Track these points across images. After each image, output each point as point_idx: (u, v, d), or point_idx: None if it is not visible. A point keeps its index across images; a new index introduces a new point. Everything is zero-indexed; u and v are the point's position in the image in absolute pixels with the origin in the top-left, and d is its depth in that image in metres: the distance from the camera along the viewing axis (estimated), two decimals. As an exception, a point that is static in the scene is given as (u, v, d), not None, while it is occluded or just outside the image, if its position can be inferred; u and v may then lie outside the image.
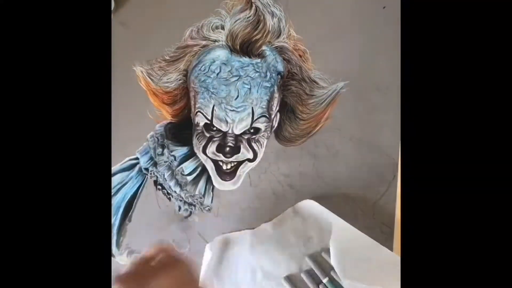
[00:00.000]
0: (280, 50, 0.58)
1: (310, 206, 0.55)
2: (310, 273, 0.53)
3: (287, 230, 0.55)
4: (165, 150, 0.58)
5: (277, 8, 0.59)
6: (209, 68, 0.57)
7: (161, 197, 0.57)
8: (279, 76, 0.58)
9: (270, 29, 0.58)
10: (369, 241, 0.52)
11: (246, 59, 0.57)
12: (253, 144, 0.57)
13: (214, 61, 0.57)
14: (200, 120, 0.57)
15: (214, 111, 0.56)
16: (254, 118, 0.56)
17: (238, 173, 0.57)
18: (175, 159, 0.58)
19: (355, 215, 0.54)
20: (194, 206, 0.57)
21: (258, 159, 0.58)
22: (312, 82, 0.58)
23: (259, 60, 0.57)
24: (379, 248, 0.52)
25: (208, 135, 0.57)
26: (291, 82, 0.58)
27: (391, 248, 0.53)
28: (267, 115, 0.57)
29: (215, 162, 0.57)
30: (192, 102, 0.58)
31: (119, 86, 0.57)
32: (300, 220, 0.55)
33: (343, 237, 0.53)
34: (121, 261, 0.55)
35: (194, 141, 0.58)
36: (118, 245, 0.56)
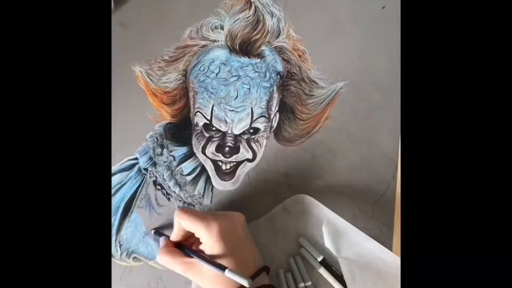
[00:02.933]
0: (280, 50, 0.58)
1: (300, 201, 0.55)
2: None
3: (277, 227, 0.55)
4: (164, 150, 0.58)
5: (276, 8, 0.59)
6: (208, 68, 0.57)
7: (160, 197, 0.57)
8: (279, 76, 0.58)
9: (269, 29, 0.58)
10: (359, 233, 0.53)
11: (245, 59, 0.57)
12: (252, 144, 0.57)
13: (213, 61, 0.57)
14: (200, 120, 0.57)
15: (214, 111, 0.56)
16: (254, 118, 0.56)
17: (237, 173, 0.57)
18: (174, 159, 0.57)
19: (354, 215, 0.54)
20: (194, 206, 0.57)
21: (257, 159, 0.57)
22: (312, 82, 0.58)
23: (258, 60, 0.57)
24: (370, 242, 0.53)
25: (207, 135, 0.57)
26: (290, 82, 0.58)
27: (390, 248, 0.53)
28: (267, 115, 0.57)
29: (215, 162, 0.57)
30: (192, 102, 0.58)
31: (118, 86, 0.57)
32: (289, 217, 0.55)
33: (335, 226, 0.53)
34: (119, 262, 0.55)
35: (194, 141, 0.58)
36: (117, 245, 0.56)
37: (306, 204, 0.55)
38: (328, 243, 0.52)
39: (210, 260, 0.44)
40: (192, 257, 0.46)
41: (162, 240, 0.50)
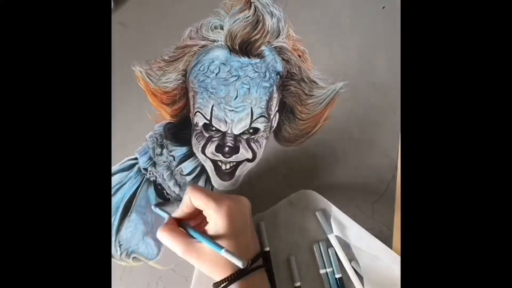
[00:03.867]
0: (279, 50, 0.58)
1: (306, 196, 0.55)
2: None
3: (281, 221, 0.55)
4: (164, 150, 0.58)
5: (276, 8, 0.59)
6: (208, 68, 0.57)
7: (160, 197, 0.57)
8: (278, 76, 0.58)
9: (269, 29, 0.58)
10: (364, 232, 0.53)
11: (245, 59, 0.57)
12: (252, 144, 0.57)
13: (213, 61, 0.58)
14: (199, 120, 0.57)
15: (213, 111, 0.56)
16: (253, 118, 0.57)
17: (237, 173, 0.57)
18: (174, 159, 0.57)
19: (354, 215, 0.54)
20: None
21: (257, 159, 0.57)
22: (311, 82, 0.58)
23: (258, 60, 0.57)
24: (375, 240, 0.53)
25: (207, 135, 0.57)
26: (290, 82, 0.58)
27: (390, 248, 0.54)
28: (266, 115, 0.57)
29: (214, 162, 0.57)
30: (191, 102, 0.58)
31: (118, 86, 0.57)
32: (295, 211, 0.55)
33: (341, 222, 0.54)
34: (119, 262, 0.55)
35: (193, 141, 0.58)
36: (117, 245, 0.56)
37: (312, 200, 0.55)
38: (337, 232, 0.53)
39: (209, 238, 0.44)
40: (192, 237, 0.46)
41: (166, 218, 0.50)
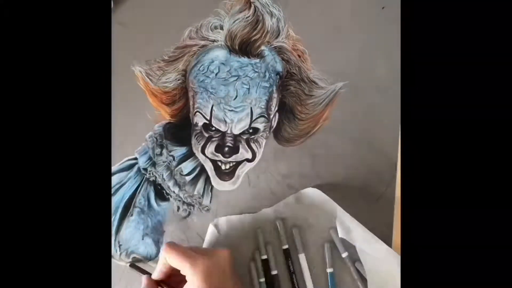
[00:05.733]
0: (279, 50, 0.58)
1: (313, 194, 0.55)
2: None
3: (288, 216, 0.55)
4: (164, 150, 0.58)
5: (276, 8, 0.59)
6: (208, 68, 0.57)
7: (160, 197, 0.57)
8: (278, 76, 0.58)
9: (269, 29, 0.58)
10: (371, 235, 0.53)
11: (245, 59, 0.57)
12: (252, 144, 0.57)
13: (213, 61, 0.57)
14: (199, 120, 0.57)
15: (213, 111, 0.56)
16: (253, 118, 0.56)
17: (237, 173, 0.57)
18: (173, 159, 0.57)
19: (354, 215, 0.54)
20: (193, 206, 0.57)
21: (257, 159, 0.57)
22: (311, 83, 0.58)
23: (258, 60, 0.57)
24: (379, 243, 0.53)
25: (207, 135, 0.57)
26: (290, 82, 0.58)
27: (390, 248, 0.54)
28: (266, 115, 0.57)
29: (214, 162, 0.57)
30: (191, 102, 0.58)
31: (117, 86, 0.57)
32: (302, 208, 0.55)
33: (346, 224, 0.54)
34: (119, 262, 0.55)
35: (193, 141, 0.58)
36: (116, 245, 0.56)
37: (318, 199, 0.55)
38: (342, 235, 0.53)
39: None
40: None
41: (143, 279, 0.48)
